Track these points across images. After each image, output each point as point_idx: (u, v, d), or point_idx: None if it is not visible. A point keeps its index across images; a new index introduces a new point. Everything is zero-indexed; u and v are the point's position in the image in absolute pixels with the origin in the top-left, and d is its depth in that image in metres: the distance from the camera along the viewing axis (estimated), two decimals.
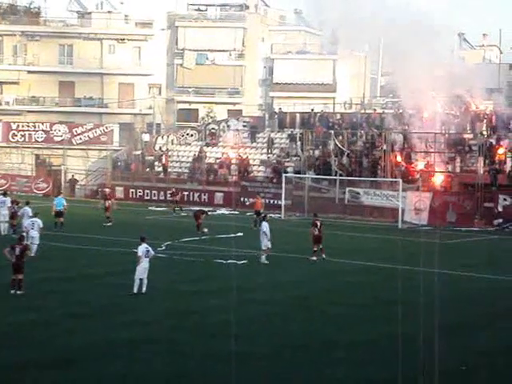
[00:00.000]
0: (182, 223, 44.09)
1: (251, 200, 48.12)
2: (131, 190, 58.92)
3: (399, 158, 50.42)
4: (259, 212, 42.38)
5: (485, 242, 39.59)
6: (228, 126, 63.15)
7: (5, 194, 39.08)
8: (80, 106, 68.62)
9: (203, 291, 24.64)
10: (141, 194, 58.59)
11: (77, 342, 18.60)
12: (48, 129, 65.29)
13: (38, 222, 31.26)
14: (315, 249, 31.28)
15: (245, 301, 22.72)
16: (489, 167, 47.66)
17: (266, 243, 30.09)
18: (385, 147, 51.33)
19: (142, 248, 24.07)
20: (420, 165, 49.82)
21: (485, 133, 51.64)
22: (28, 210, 34.59)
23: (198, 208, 44.33)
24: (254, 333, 19.65)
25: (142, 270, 23.86)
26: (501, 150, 48.52)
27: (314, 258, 31.15)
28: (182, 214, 48.49)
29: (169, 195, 53.63)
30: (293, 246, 34.42)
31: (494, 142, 49.36)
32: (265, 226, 30.39)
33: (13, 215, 36.41)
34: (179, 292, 24.58)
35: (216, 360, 17.09)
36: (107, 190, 50.00)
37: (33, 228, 30.87)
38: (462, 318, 21.70)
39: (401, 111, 54.74)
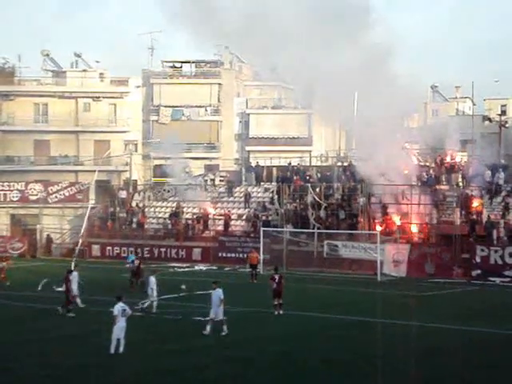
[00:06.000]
0: (161, 281, 43.56)
1: (246, 255, 48.25)
2: (108, 248, 58.47)
3: (377, 212, 50.48)
4: (255, 266, 44.42)
5: (463, 293, 39.48)
6: (205, 181, 63.22)
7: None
8: (56, 164, 68.34)
9: (181, 350, 24.25)
10: (118, 251, 58.11)
11: None
12: (23, 188, 65.00)
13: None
14: (275, 303, 31.19)
15: (223, 358, 22.40)
16: (466, 218, 47.82)
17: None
18: (361, 200, 51.47)
19: (118, 307, 23.75)
20: (397, 217, 49.90)
21: (460, 184, 51.97)
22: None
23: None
24: None
25: (119, 329, 23.49)
26: (476, 201, 48.76)
27: (276, 313, 31.05)
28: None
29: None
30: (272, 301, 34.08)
31: (469, 193, 49.63)
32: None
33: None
34: (156, 351, 24.16)
35: None
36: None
37: None
38: (438, 371, 21.47)
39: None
